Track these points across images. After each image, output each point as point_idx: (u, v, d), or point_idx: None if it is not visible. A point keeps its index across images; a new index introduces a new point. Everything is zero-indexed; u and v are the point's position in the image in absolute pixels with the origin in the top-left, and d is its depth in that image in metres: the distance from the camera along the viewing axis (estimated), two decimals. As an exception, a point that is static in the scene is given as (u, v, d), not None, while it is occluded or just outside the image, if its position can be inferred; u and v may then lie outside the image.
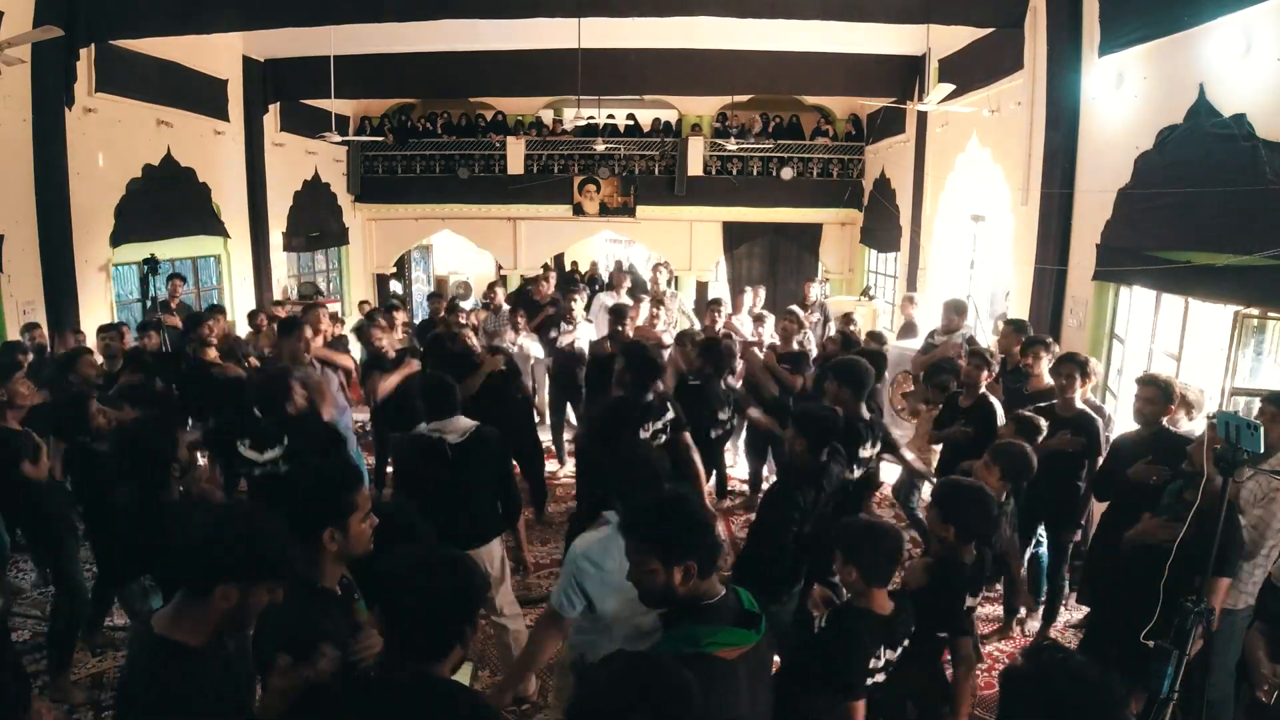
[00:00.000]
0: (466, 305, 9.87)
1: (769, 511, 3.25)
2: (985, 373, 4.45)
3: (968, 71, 8.36)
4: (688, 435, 4.18)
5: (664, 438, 4.05)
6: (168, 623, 1.62)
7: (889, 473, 5.35)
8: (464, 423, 3.44)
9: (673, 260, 12.72)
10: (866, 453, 3.85)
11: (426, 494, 3.24)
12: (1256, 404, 3.62)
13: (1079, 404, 4.15)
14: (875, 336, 6.62)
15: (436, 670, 1.59)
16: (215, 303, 9.04)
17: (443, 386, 3.51)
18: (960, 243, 8.98)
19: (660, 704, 1.25)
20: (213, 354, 5.52)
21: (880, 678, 2.37)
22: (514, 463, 6.17)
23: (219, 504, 1.68)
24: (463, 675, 2.06)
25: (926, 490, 5.03)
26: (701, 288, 13.63)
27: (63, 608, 3.73)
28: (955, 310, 6.27)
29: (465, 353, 5.40)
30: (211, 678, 1.62)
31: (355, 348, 6.77)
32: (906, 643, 2.45)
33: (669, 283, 9.26)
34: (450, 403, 3.46)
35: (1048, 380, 4.57)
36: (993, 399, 4.49)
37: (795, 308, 6.62)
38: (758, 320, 6.80)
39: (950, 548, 2.69)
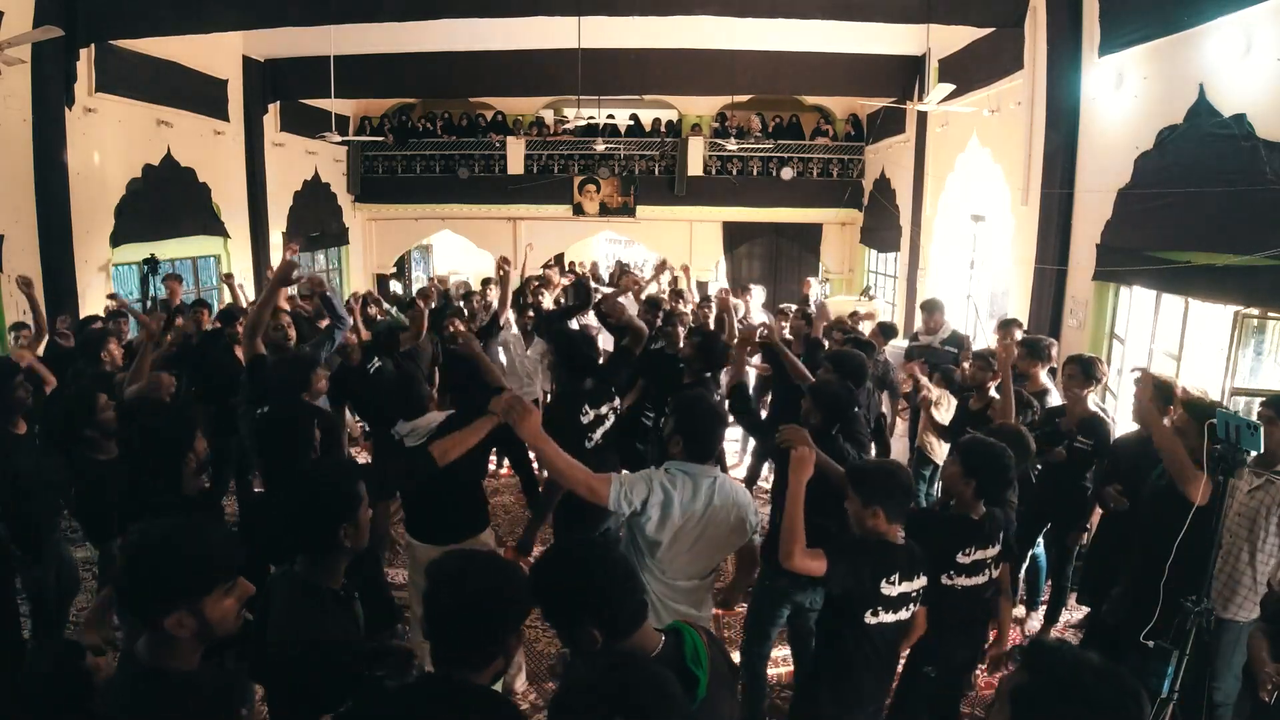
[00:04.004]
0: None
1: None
2: (990, 374, 4.44)
3: (968, 71, 8.36)
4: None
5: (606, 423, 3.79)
6: (148, 650, 1.56)
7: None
8: (427, 422, 3.17)
9: (673, 260, 12.69)
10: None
11: (410, 497, 3.24)
12: (1257, 405, 3.61)
13: (1091, 406, 4.13)
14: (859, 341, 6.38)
15: (475, 680, 1.53)
16: (199, 301, 9.01)
17: (401, 385, 3.29)
18: (960, 243, 8.98)
19: (642, 705, 1.22)
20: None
21: (904, 614, 2.38)
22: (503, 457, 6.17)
23: (138, 534, 1.58)
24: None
25: (937, 489, 5.04)
26: (701, 288, 13.63)
27: (49, 582, 3.61)
28: (933, 309, 6.22)
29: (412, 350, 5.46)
30: (200, 703, 1.57)
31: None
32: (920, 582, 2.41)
33: (671, 284, 9.28)
34: (410, 402, 3.19)
35: (1044, 382, 4.57)
36: None
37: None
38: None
39: (964, 503, 2.70)
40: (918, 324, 6.78)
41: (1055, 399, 4.44)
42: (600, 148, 12.52)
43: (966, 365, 4.76)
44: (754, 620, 3.30)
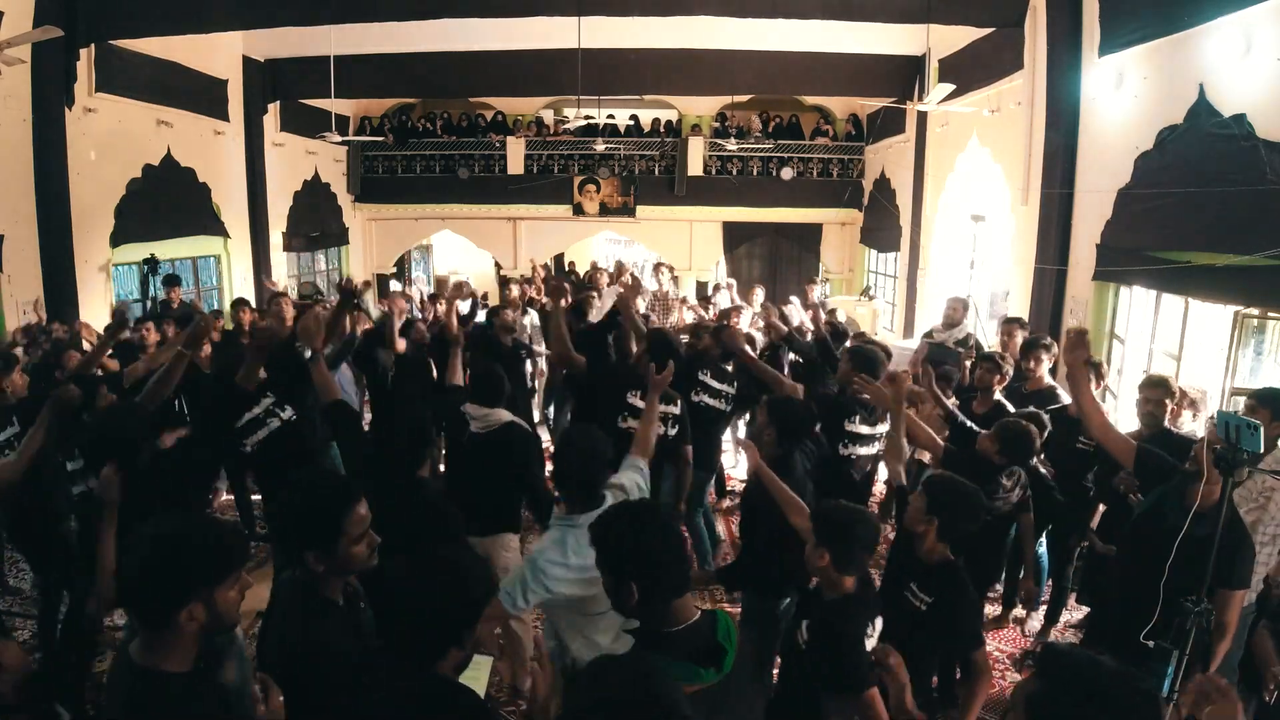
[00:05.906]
0: (464, 307, 9.83)
1: (759, 509, 3.20)
2: (998, 377, 4.41)
3: (968, 71, 8.36)
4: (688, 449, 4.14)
5: (669, 431, 3.95)
6: (146, 651, 1.53)
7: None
8: (497, 416, 3.41)
9: (673, 260, 12.72)
10: (870, 430, 3.92)
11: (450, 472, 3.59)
12: (1241, 402, 3.59)
13: None
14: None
15: (435, 670, 1.58)
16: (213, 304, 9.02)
17: (487, 376, 3.52)
18: (960, 243, 8.98)
19: (655, 714, 1.23)
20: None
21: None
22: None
23: (146, 531, 1.58)
24: (482, 670, 2.08)
25: None
26: (701, 288, 13.63)
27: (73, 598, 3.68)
28: (958, 305, 6.18)
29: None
30: (200, 704, 1.54)
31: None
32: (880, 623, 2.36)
33: (672, 283, 9.30)
34: (491, 393, 3.44)
35: (1047, 380, 4.56)
36: (1008, 404, 4.45)
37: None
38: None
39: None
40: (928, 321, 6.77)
41: (1065, 398, 4.41)
42: (600, 148, 12.52)
43: (968, 364, 4.75)
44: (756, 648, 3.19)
